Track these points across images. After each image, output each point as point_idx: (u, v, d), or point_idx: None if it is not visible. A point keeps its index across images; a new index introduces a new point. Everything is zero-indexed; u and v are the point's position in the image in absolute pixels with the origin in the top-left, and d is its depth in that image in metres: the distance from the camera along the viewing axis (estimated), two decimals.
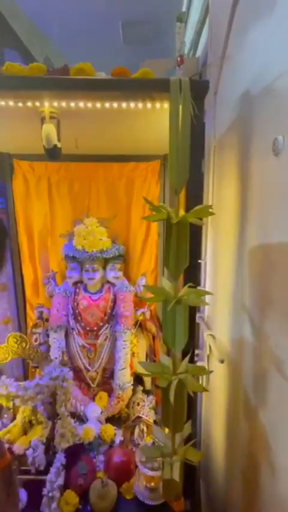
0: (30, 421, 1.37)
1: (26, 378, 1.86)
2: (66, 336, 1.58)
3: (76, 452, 1.30)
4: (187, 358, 0.95)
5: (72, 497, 1.16)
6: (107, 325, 1.55)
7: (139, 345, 1.67)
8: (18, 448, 1.25)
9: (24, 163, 1.68)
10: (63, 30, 2.35)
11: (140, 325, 1.68)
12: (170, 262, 0.85)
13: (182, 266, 0.86)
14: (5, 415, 1.46)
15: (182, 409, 0.92)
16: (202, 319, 1.49)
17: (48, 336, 1.59)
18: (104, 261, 1.57)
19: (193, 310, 1.03)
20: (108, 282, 1.63)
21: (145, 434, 1.45)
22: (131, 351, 1.61)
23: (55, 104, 0.91)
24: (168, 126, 0.79)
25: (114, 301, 1.57)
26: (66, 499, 1.16)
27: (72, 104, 0.91)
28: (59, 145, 0.99)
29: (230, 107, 1.14)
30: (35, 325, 1.68)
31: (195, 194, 0.94)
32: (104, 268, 1.59)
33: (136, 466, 1.26)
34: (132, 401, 1.59)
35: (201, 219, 0.86)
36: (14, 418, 1.42)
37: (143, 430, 1.47)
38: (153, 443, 1.19)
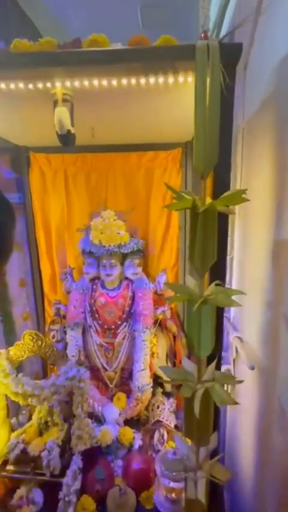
0: (46, 422, 1.33)
1: (44, 374, 1.85)
2: (84, 333, 1.53)
3: (93, 455, 1.24)
4: (213, 364, 0.84)
5: (89, 503, 1.11)
6: (125, 323, 1.47)
7: (159, 345, 1.59)
8: (33, 449, 1.22)
9: (41, 156, 1.63)
10: (81, 17, 2.28)
11: (159, 324, 1.60)
12: (195, 257, 0.74)
13: (209, 262, 0.75)
14: (23, 411, 1.43)
15: (207, 421, 0.82)
16: (228, 320, 1.37)
17: (65, 333, 1.55)
18: (122, 256, 1.49)
19: (220, 311, 0.92)
20: (126, 278, 1.56)
21: (165, 440, 1.37)
22: (150, 351, 1.53)
23: (67, 83, 0.83)
24: (194, 99, 0.68)
25: (133, 298, 1.49)
26: (83, 504, 1.11)
27: (86, 83, 0.82)
28: (72, 130, 0.91)
29: (263, 83, 1.00)
30: (53, 322, 1.64)
31: (223, 181, 0.83)
32: (122, 264, 1.51)
33: (156, 474, 1.18)
34: (152, 403, 1.52)
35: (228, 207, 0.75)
36: (30, 418, 1.39)
37: (163, 435, 1.39)
38: (175, 453, 1.10)
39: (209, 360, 0.84)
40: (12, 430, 1.37)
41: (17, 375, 1.24)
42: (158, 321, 1.49)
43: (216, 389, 0.79)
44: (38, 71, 0.76)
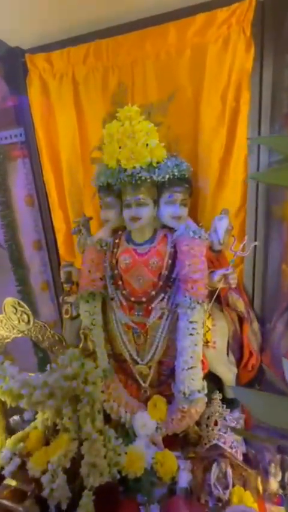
0: (55, 425, 0.92)
1: None
2: (105, 308, 1.06)
3: (113, 494, 0.79)
4: None
5: None
6: (162, 294, 0.95)
7: (217, 330, 1.03)
8: (33, 468, 0.82)
9: (39, 57, 1.14)
10: None
11: (218, 300, 1.03)
12: None
13: None
14: None
15: None
16: None
17: None
18: (155, 188, 0.94)
19: None
20: (164, 227, 1.02)
21: (230, 482, 0.84)
22: (204, 339, 0.98)
23: None
24: None
25: (175, 256, 0.94)
26: None
27: None
28: None
29: None
30: (68, 293, 1.21)
31: None
32: (157, 202, 0.97)
33: None
34: (206, 416, 1.00)
35: None
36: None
37: (225, 472, 0.86)
38: None
39: None
40: (13, 432, 1.01)
41: (2, 363, 0.84)
42: (216, 293, 0.93)
43: None
44: None
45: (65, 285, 1.15)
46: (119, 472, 0.85)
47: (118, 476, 0.84)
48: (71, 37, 1.11)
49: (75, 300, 1.16)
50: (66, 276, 1.13)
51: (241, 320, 1.08)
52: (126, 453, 0.88)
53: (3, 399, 0.85)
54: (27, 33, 1.12)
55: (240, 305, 1.02)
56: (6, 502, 0.83)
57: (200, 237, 0.90)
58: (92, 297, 1.02)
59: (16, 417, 1.09)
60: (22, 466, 0.89)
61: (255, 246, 1.01)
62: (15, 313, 0.80)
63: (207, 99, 1.00)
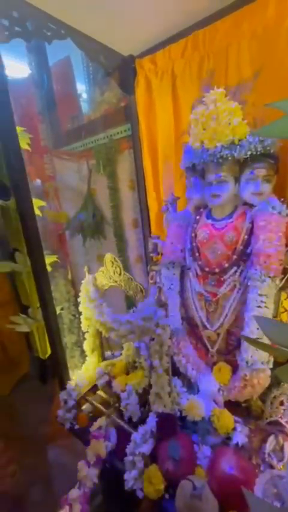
0: (134, 362, 1.17)
1: None
2: (183, 278, 1.20)
3: (172, 423, 0.95)
4: None
5: (157, 478, 0.85)
6: (235, 268, 1.00)
7: None
8: (116, 385, 1.10)
9: (146, 60, 1.34)
10: None
11: None
12: None
13: None
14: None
15: None
16: None
17: None
18: (238, 166, 0.99)
19: None
20: (245, 204, 1.04)
21: (286, 455, 0.85)
22: (278, 318, 0.98)
23: None
24: None
25: (252, 232, 0.97)
26: (150, 475, 0.86)
27: None
28: None
29: None
30: (155, 262, 1.42)
31: None
32: (239, 179, 1.01)
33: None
34: (273, 395, 1.00)
35: None
36: None
37: (282, 446, 0.87)
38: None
39: None
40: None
41: (101, 304, 1.12)
42: None
43: None
44: None
45: (151, 254, 1.35)
46: (180, 412, 1.00)
47: (178, 414, 0.99)
48: (173, 35, 1.25)
49: (159, 269, 1.36)
50: (153, 246, 1.33)
51: None
52: (188, 399, 1.02)
53: (100, 329, 1.15)
54: (137, 41, 1.34)
55: None
56: (98, 405, 1.14)
57: (280, 212, 0.89)
58: (172, 265, 1.18)
59: (109, 353, 1.41)
60: (109, 384, 1.18)
61: None
62: (112, 266, 1.06)
63: None
